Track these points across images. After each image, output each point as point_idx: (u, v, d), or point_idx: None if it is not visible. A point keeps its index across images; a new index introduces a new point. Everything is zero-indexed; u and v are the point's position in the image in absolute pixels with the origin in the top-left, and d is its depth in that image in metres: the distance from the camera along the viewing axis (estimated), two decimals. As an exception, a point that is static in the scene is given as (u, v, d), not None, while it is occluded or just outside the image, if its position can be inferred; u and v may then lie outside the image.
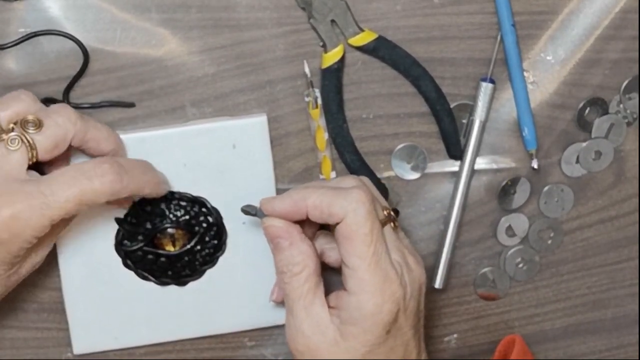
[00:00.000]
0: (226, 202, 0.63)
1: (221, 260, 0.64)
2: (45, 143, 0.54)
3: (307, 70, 0.63)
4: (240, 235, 0.64)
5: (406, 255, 0.57)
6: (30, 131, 0.54)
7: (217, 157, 0.62)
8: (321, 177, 0.65)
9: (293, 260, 0.56)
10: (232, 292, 0.65)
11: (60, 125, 0.55)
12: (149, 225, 0.63)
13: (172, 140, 0.62)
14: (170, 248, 0.63)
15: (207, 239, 0.63)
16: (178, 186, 0.63)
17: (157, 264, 0.63)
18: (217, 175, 0.63)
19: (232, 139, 0.62)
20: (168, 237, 0.63)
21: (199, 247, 0.63)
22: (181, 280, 0.64)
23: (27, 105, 0.55)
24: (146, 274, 0.64)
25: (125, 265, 0.64)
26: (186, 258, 0.64)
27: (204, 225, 0.63)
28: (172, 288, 0.64)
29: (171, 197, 0.62)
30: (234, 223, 0.64)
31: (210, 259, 0.64)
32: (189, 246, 0.63)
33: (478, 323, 0.71)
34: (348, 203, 0.55)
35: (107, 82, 0.62)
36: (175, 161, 0.62)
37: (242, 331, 0.67)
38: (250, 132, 0.63)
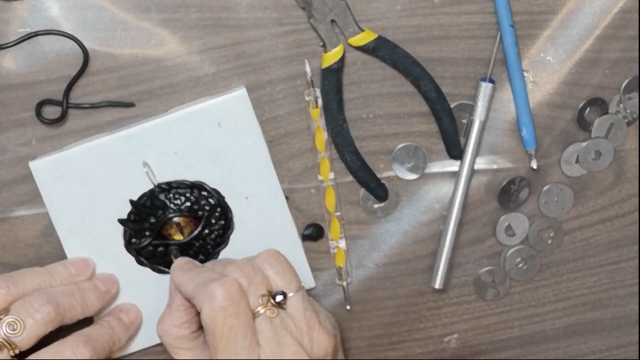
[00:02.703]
0: (224, 181, 0.63)
1: (232, 238, 0.64)
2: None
3: (308, 69, 0.63)
4: (246, 211, 0.64)
5: (285, 346, 0.56)
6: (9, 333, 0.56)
7: (206, 139, 0.62)
8: (319, 177, 0.65)
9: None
10: None
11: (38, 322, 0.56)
12: (152, 220, 0.63)
13: (157, 131, 0.62)
14: (179, 237, 0.63)
15: (213, 220, 0.63)
16: (173, 175, 0.62)
17: (170, 255, 0.64)
18: (210, 157, 0.62)
19: (216, 117, 0.62)
20: (175, 227, 0.63)
21: (207, 231, 0.63)
22: None
23: (1, 298, 0.57)
24: (161, 267, 0.64)
25: (139, 262, 0.64)
26: (197, 244, 0.64)
27: (207, 208, 0.63)
28: None
29: (168, 187, 0.62)
30: (237, 200, 0.63)
31: (221, 240, 0.64)
32: (196, 232, 0.63)
33: (478, 323, 0.71)
34: (204, 298, 0.55)
35: (107, 82, 0.62)
36: (165, 151, 0.62)
37: None
38: (232, 107, 0.62)
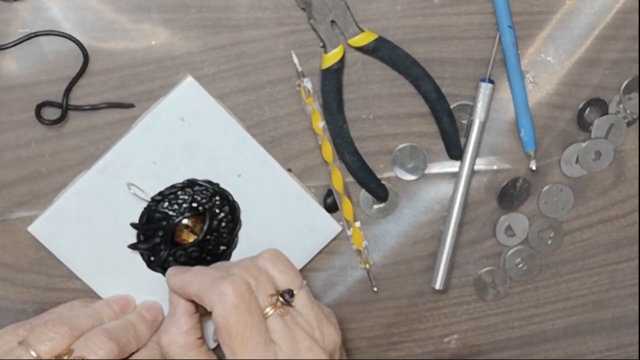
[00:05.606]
0: (212, 169, 0.63)
1: (244, 218, 0.64)
2: None
3: (295, 60, 0.62)
4: (245, 188, 0.63)
5: (300, 341, 0.56)
6: None
7: (176, 138, 0.62)
8: (322, 159, 0.65)
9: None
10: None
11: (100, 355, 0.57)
12: (161, 233, 0.63)
13: (127, 149, 0.62)
14: (192, 238, 0.64)
15: (217, 210, 0.63)
16: (162, 183, 0.62)
17: (192, 258, 0.64)
18: (188, 152, 0.62)
19: (175, 114, 0.62)
20: (186, 230, 0.63)
21: (215, 222, 0.63)
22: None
23: (64, 341, 0.57)
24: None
25: (152, 268, 0.64)
26: (212, 237, 0.64)
27: (205, 200, 0.63)
28: None
29: (162, 196, 0.62)
30: (231, 181, 0.63)
31: (234, 224, 0.64)
32: (206, 226, 0.63)
33: (478, 323, 0.71)
34: (215, 296, 0.55)
35: (107, 82, 0.62)
36: (143, 165, 0.62)
37: None
38: (185, 97, 0.62)
